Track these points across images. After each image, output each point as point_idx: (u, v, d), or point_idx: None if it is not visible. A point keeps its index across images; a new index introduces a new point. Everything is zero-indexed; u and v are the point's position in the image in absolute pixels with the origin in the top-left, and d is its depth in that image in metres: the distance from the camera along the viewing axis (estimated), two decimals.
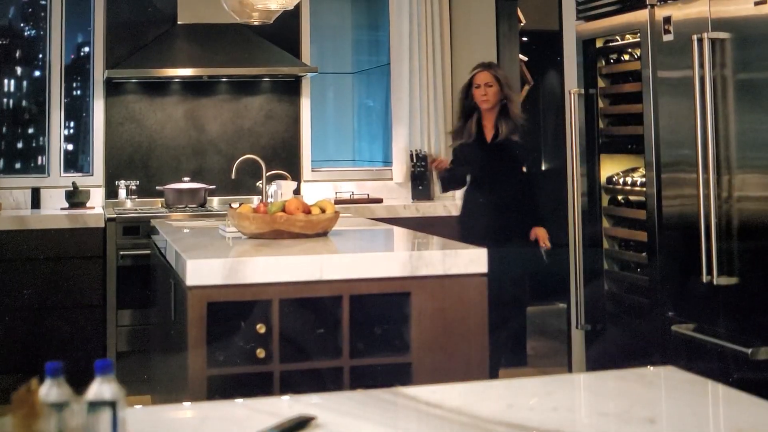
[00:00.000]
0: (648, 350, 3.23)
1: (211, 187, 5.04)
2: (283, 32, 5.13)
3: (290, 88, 5.34)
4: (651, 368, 1.78)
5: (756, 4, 2.69)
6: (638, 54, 3.33)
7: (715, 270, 2.81)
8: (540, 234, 4.03)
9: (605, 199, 3.58)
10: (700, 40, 2.84)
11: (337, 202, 4.86)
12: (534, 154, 4.33)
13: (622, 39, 3.49)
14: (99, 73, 5.05)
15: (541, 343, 5.41)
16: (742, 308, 2.79)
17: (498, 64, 5.00)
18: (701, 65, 2.84)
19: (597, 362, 3.55)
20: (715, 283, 2.81)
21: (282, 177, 3.83)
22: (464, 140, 4.13)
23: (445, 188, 4.39)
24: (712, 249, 2.82)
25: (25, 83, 5.21)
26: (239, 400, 1.51)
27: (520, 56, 5.35)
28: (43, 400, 1.10)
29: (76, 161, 5.18)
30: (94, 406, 1.13)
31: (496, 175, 4.12)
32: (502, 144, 4.06)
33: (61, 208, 4.82)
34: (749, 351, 2.68)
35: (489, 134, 4.12)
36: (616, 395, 1.56)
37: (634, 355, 3.27)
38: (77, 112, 5.20)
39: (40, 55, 5.14)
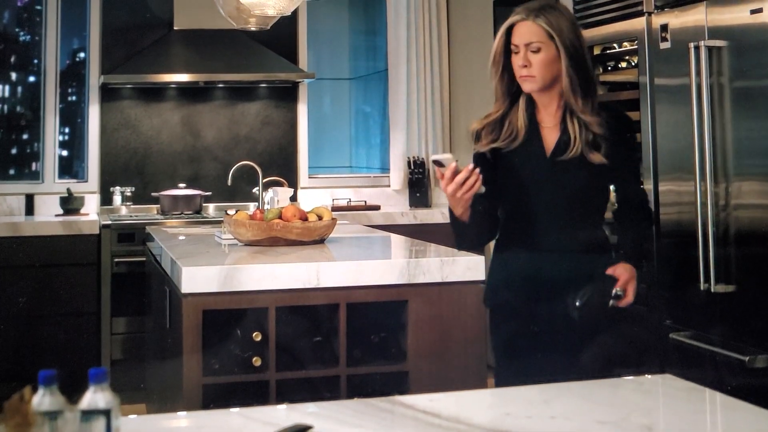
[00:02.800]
0: (645, 358, 3.22)
1: (207, 193, 5.03)
2: (280, 38, 5.13)
3: (287, 94, 5.33)
4: (648, 376, 1.77)
5: (752, 12, 2.70)
6: (635, 61, 3.33)
7: (712, 278, 2.80)
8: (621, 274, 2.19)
9: None
10: (697, 48, 2.85)
11: (334, 209, 4.85)
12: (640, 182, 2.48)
13: (620, 46, 3.49)
14: (94, 78, 5.04)
15: None
16: (739, 316, 2.79)
17: None
18: (698, 73, 2.84)
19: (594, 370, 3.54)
20: (712, 290, 2.81)
21: (279, 184, 3.82)
22: (501, 144, 2.26)
23: (463, 241, 2.37)
24: (709, 257, 2.81)
25: (19, 88, 5.20)
26: (235, 409, 1.50)
27: None
28: (36, 409, 1.09)
29: (70, 167, 5.17)
30: (88, 415, 1.12)
31: (569, 226, 2.26)
32: (578, 165, 2.20)
33: (56, 215, 4.80)
34: (746, 359, 2.68)
35: (549, 141, 2.25)
36: (613, 403, 1.56)
37: (631, 363, 3.26)
38: (72, 117, 5.19)
39: (35, 60, 5.13)
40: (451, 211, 2.24)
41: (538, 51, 2.16)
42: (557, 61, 2.16)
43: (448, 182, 2.10)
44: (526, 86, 2.20)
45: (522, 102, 2.25)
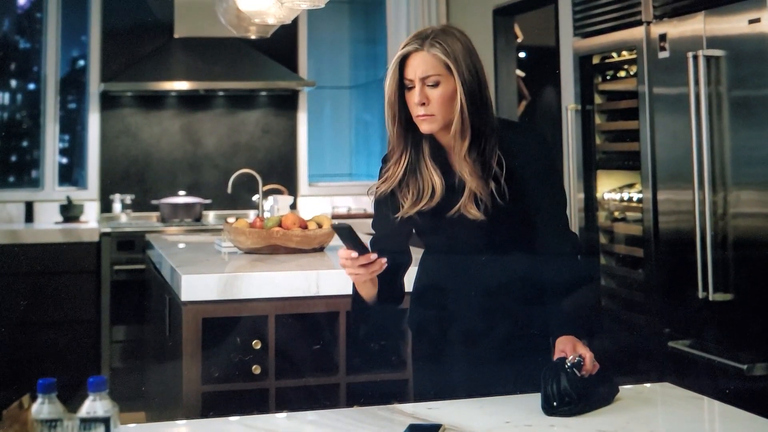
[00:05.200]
0: (644, 366, 3.22)
1: (207, 201, 5.03)
2: (280, 46, 5.14)
3: (287, 103, 5.34)
4: (648, 385, 1.78)
5: (750, 22, 2.71)
6: (634, 71, 3.34)
7: (710, 286, 2.81)
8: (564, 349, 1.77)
9: (602, 215, 3.58)
10: (695, 58, 2.86)
11: (334, 216, 4.86)
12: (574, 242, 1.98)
13: (619, 55, 3.50)
14: (94, 86, 5.05)
15: None
16: (737, 324, 2.79)
17: (496, 77, 4.96)
18: (696, 82, 2.85)
19: None
20: (710, 299, 2.81)
21: (279, 192, 3.82)
22: (424, 207, 1.90)
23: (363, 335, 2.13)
24: (707, 265, 2.82)
25: (19, 96, 5.21)
26: (234, 418, 1.50)
27: (518, 72, 5.36)
28: (34, 417, 1.09)
29: (70, 175, 5.17)
30: (87, 423, 1.12)
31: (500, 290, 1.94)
32: (475, 225, 1.88)
33: (55, 222, 4.80)
34: (745, 367, 2.68)
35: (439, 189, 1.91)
36: (612, 411, 1.56)
37: (630, 372, 3.26)
38: (72, 125, 5.20)
39: (35, 68, 5.14)
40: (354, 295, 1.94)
41: (436, 85, 1.84)
42: (452, 98, 1.84)
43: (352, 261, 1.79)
44: (424, 127, 1.86)
45: (426, 148, 1.89)
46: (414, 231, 1.98)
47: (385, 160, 1.94)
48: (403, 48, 1.86)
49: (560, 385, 1.58)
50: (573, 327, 1.81)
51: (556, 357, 1.71)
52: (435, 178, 1.88)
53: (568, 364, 1.63)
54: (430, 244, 2.00)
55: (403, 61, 1.86)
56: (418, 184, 1.89)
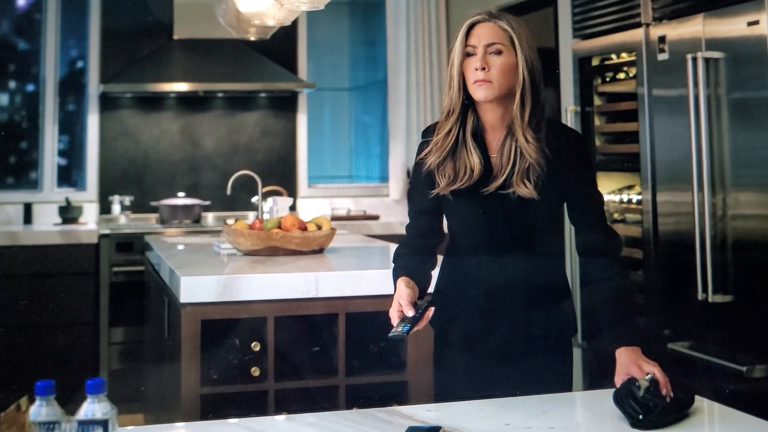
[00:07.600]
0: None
1: (206, 203, 5.03)
2: (280, 48, 5.14)
3: (287, 104, 5.34)
4: None
5: (749, 24, 2.71)
6: (634, 72, 3.34)
7: (710, 288, 2.81)
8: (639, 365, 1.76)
9: None
10: (694, 60, 2.86)
11: (334, 218, 4.86)
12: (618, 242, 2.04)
13: (618, 57, 3.50)
14: (93, 87, 5.05)
15: None
16: (737, 326, 2.79)
17: None
18: (695, 84, 2.85)
19: (593, 380, 3.53)
20: (710, 300, 2.81)
21: (278, 193, 3.82)
22: (459, 186, 1.91)
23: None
24: (707, 267, 2.82)
25: (18, 97, 5.21)
26: (233, 420, 1.50)
27: None
28: (32, 420, 1.09)
29: (69, 176, 5.17)
30: (85, 425, 1.11)
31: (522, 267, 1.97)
32: (519, 204, 1.91)
33: (54, 224, 4.80)
34: (744, 369, 2.68)
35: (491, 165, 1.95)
36: (612, 414, 1.56)
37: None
38: (71, 126, 5.20)
39: (34, 69, 5.14)
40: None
41: (498, 53, 1.88)
42: (516, 70, 1.88)
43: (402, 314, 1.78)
44: (479, 93, 1.88)
45: (470, 124, 1.92)
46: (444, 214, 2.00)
47: (425, 134, 1.97)
48: (471, 18, 1.93)
49: (643, 400, 1.52)
50: (627, 336, 1.85)
51: (624, 377, 1.69)
52: (474, 158, 1.90)
53: (645, 386, 1.57)
54: (457, 228, 2.00)
55: (469, 31, 1.91)
56: (456, 163, 1.92)
